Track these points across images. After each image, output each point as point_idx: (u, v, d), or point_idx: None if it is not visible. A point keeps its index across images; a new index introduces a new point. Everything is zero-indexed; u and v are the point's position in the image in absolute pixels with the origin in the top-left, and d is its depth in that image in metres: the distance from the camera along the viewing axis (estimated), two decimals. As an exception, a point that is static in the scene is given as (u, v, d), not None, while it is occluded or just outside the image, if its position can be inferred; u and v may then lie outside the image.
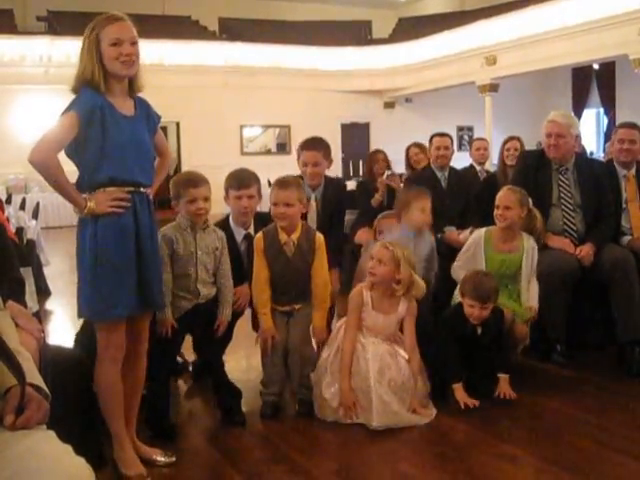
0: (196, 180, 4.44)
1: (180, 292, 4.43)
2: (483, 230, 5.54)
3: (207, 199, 4.43)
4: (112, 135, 3.69)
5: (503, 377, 4.93)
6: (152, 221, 3.85)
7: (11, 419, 2.34)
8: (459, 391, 4.81)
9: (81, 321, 4.36)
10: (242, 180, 5.15)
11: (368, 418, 4.50)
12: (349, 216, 7.27)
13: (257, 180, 5.25)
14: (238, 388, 4.82)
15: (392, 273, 4.66)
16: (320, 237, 4.93)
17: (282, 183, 4.82)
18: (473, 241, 5.54)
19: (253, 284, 4.82)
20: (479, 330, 4.96)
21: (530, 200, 5.46)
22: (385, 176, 7.55)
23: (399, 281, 4.68)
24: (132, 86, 3.87)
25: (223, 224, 5.24)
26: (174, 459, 4.01)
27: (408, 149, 8.73)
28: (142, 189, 3.82)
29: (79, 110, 3.71)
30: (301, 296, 4.88)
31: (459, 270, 5.44)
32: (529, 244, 5.40)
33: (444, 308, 5.33)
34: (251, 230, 5.27)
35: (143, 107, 3.93)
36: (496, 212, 5.42)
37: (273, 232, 4.79)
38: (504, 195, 5.44)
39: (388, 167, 7.94)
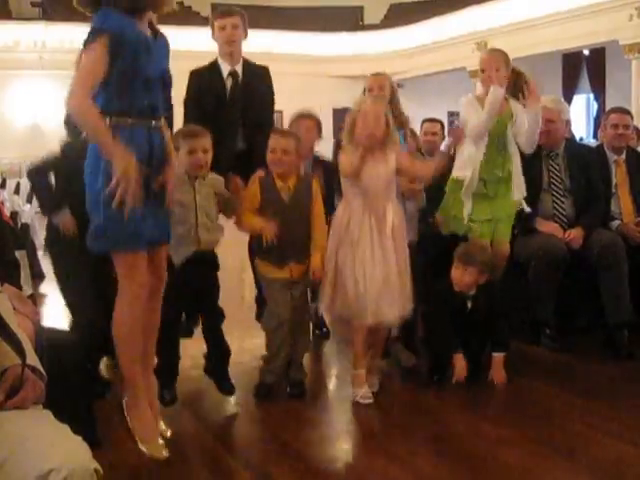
0: (195, 131, 4.45)
1: (179, 239, 4.37)
2: (470, 95, 5.55)
3: (206, 151, 4.42)
4: (143, 63, 3.51)
5: (497, 357, 4.93)
6: (165, 153, 3.76)
7: (1, 398, 2.35)
8: (459, 360, 4.85)
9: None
10: (226, 9, 5.50)
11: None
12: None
13: (242, 14, 5.45)
14: (228, 348, 4.81)
15: (385, 130, 4.68)
16: (317, 185, 4.94)
17: (281, 132, 4.89)
18: (468, 103, 5.47)
19: (241, 213, 4.76)
20: (469, 304, 4.97)
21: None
22: None
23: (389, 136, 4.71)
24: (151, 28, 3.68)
25: (211, 63, 5.54)
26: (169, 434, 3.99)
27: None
28: (159, 121, 3.71)
29: (107, 35, 3.38)
30: (298, 251, 4.81)
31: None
32: (516, 106, 5.35)
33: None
34: (238, 68, 5.49)
35: (162, 37, 3.76)
36: (482, 75, 5.35)
37: (269, 178, 4.76)
38: (488, 57, 5.44)
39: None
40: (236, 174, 4.89)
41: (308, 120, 5.60)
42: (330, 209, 5.11)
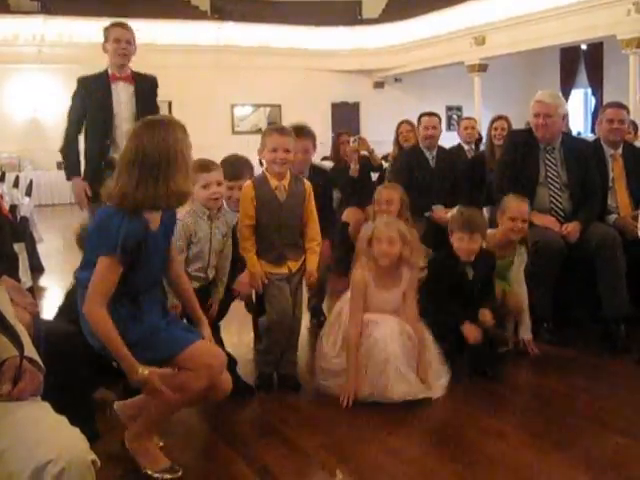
0: (208, 165, 4.43)
1: (194, 273, 4.41)
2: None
3: (220, 183, 4.44)
4: (144, 261, 3.48)
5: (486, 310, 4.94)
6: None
7: (7, 388, 2.35)
8: (467, 324, 4.83)
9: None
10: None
11: (384, 394, 4.50)
12: (336, 194, 7.32)
13: (250, 168, 5.29)
14: (233, 357, 4.85)
15: (401, 250, 4.65)
16: (309, 183, 4.95)
17: (281, 129, 4.83)
18: None
19: (239, 230, 4.76)
20: (469, 273, 4.95)
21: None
22: (352, 141, 7.60)
23: (405, 256, 4.67)
24: None
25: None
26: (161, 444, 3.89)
27: (399, 125, 8.76)
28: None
29: (120, 252, 3.34)
30: (293, 247, 4.85)
31: None
32: (521, 254, 5.43)
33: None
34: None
35: (166, 216, 3.63)
36: (512, 225, 5.34)
37: (263, 179, 4.77)
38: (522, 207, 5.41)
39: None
40: None
41: (305, 141, 5.59)
42: (327, 217, 5.17)
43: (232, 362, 4.84)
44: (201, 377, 3.50)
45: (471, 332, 4.80)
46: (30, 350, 2.55)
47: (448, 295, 4.89)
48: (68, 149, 6.13)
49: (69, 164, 6.19)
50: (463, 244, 4.90)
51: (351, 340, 4.59)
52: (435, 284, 4.99)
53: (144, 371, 3.33)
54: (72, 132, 6.13)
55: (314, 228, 4.90)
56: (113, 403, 3.90)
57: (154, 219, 3.49)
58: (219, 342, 4.76)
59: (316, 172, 5.80)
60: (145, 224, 3.41)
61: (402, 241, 4.64)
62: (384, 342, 4.51)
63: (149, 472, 3.59)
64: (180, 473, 3.60)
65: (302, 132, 5.58)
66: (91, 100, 6.03)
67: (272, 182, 4.74)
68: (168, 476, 3.57)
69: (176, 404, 3.59)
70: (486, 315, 4.91)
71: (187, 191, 3.47)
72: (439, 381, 4.70)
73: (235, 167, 5.07)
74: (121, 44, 6.00)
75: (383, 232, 4.67)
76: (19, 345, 2.42)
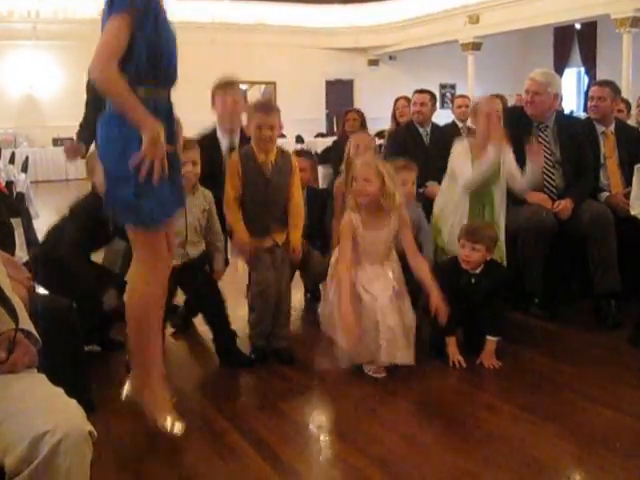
0: (185, 143, 4.39)
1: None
2: (465, 140, 5.58)
3: (195, 163, 4.45)
4: (161, 37, 3.39)
5: (490, 340, 4.81)
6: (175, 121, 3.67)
7: (1, 358, 2.36)
8: (452, 345, 4.81)
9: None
10: (228, 83, 5.45)
11: (375, 356, 4.56)
12: (326, 170, 7.37)
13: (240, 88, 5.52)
14: (233, 330, 4.93)
15: (380, 189, 4.60)
16: (295, 159, 5.01)
17: (265, 107, 4.83)
18: (460, 147, 5.51)
19: (226, 202, 4.79)
20: (473, 281, 4.89)
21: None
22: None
23: (385, 195, 4.62)
24: None
25: (210, 135, 5.46)
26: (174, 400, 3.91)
27: (397, 101, 8.79)
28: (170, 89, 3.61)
29: (135, 9, 3.25)
30: (279, 221, 4.88)
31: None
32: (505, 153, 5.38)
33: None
34: (236, 143, 5.49)
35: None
36: (482, 121, 5.37)
37: (249, 153, 4.77)
38: (493, 102, 5.44)
39: (362, 125, 7.99)
40: None
41: (305, 162, 5.64)
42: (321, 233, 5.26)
43: (232, 336, 4.87)
44: (154, 266, 3.54)
45: (453, 353, 4.80)
46: (26, 322, 2.56)
47: (451, 302, 4.70)
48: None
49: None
50: (464, 252, 4.84)
51: (344, 284, 4.54)
52: (442, 290, 4.80)
53: (160, 129, 3.27)
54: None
55: (298, 204, 4.94)
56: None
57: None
58: (224, 323, 4.81)
59: (313, 193, 5.86)
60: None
61: (380, 180, 4.59)
62: (374, 309, 4.55)
63: (163, 424, 3.59)
64: (180, 427, 3.60)
65: (301, 153, 5.87)
66: None
67: (259, 157, 4.76)
68: (167, 429, 3.58)
69: (136, 300, 3.60)
70: (486, 354, 4.81)
71: None
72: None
73: (227, 80, 5.43)
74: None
75: (360, 171, 4.65)
76: (14, 317, 2.42)
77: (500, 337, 4.85)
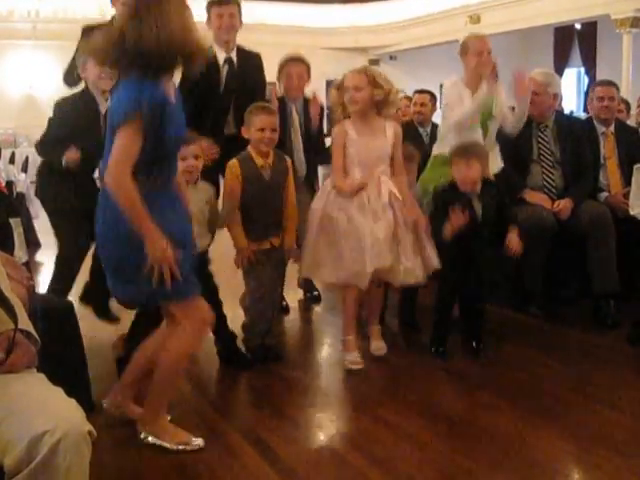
0: (187, 138, 4.39)
1: None
2: (455, 79, 5.60)
3: (197, 157, 4.44)
4: (167, 134, 3.33)
5: (513, 228, 4.84)
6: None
7: (2, 356, 2.36)
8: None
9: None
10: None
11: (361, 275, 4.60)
12: (328, 170, 7.38)
13: (238, 3, 5.60)
14: (234, 333, 4.93)
15: (372, 95, 4.62)
16: (288, 159, 5.01)
17: (267, 109, 4.83)
18: (453, 87, 5.53)
19: (225, 208, 4.79)
20: (477, 205, 4.81)
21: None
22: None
23: (380, 101, 4.65)
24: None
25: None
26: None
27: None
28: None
29: (143, 117, 3.21)
30: (276, 224, 4.89)
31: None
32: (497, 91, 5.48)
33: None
34: (233, 55, 5.62)
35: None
36: (476, 59, 5.45)
37: (249, 158, 4.77)
38: (484, 41, 5.57)
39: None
40: (227, 158, 4.89)
41: (299, 66, 5.82)
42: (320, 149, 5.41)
43: (232, 337, 4.87)
44: (200, 330, 3.61)
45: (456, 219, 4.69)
46: (25, 322, 2.56)
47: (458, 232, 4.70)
48: None
49: None
50: (460, 172, 4.76)
51: (340, 185, 4.68)
52: (442, 217, 4.75)
53: (169, 248, 3.27)
54: None
55: (292, 205, 4.95)
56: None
57: (170, 88, 3.42)
58: (222, 324, 4.83)
59: (308, 103, 5.94)
60: (164, 90, 3.32)
61: (372, 85, 4.62)
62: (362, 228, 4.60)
63: (172, 447, 3.62)
64: (201, 443, 3.64)
65: (294, 58, 6.09)
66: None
67: (258, 160, 4.76)
68: (189, 448, 3.62)
69: (180, 362, 3.63)
70: (513, 241, 4.81)
71: (186, 39, 3.26)
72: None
73: None
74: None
75: (350, 79, 4.70)
76: (13, 317, 2.42)
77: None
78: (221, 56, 5.61)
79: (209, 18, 5.59)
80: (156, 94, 3.25)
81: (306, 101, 5.87)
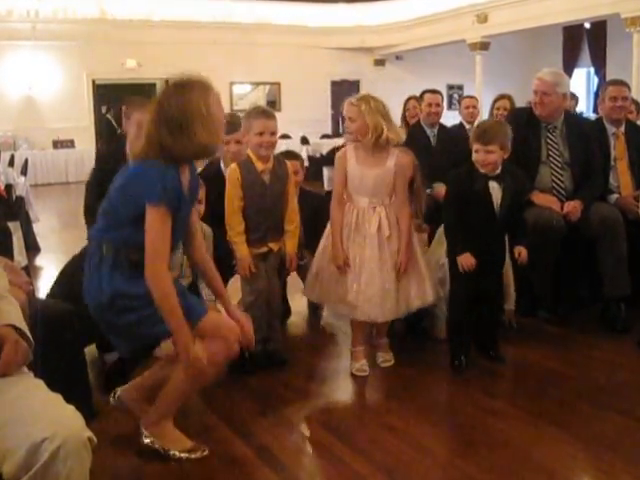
0: None
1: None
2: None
3: (200, 202, 4.50)
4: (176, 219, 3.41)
5: (520, 249, 4.79)
6: None
7: None
8: (466, 257, 4.68)
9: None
10: (233, 125, 5.29)
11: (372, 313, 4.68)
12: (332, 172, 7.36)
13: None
14: None
15: (365, 127, 4.64)
16: (289, 164, 5.02)
17: (266, 113, 4.85)
18: None
19: (228, 215, 4.79)
20: (494, 188, 4.75)
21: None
22: None
23: (372, 133, 4.65)
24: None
25: (214, 168, 5.47)
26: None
27: (407, 102, 8.77)
28: None
29: (167, 203, 3.30)
30: (276, 229, 4.90)
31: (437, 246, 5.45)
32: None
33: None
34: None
35: (194, 179, 3.67)
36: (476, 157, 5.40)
37: (248, 162, 4.80)
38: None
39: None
40: None
41: (294, 162, 5.61)
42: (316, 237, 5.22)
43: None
44: (223, 349, 3.56)
45: (464, 262, 4.69)
46: (19, 320, 2.56)
47: (471, 217, 4.71)
48: None
49: None
50: (479, 156, 4.71)
51: (335, 221, 4.78)
52: (455, 201, 4.80)
53: (198, 352, 3.35)
54: None
55: (293, 210, 4.97)
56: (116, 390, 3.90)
57: (184, 176, 3.48)
58: None
59: (306, 197, 5.84)
60: (179, 177, 3.39)
61: (362, 118, 4.63)
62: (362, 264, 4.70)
63: (175, 453, 3.63)
64: (206, 452, 3.67)
65: (289, 155, 5.75)
66: None
67: (258, 165, 4.77)
68: (194, 455, 3.64)
69: (200, 379, 3.61)
70: (522, 255, 4.78)
71: (211, 143, 3.44)
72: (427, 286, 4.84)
73: (231, 122, 5.13)
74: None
75: (345, 110, 4.78)
76: None
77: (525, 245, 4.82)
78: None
79: (247, 128, 5.29)
80: (176, 182, 3.36)
81: (303, 195, 5.77)
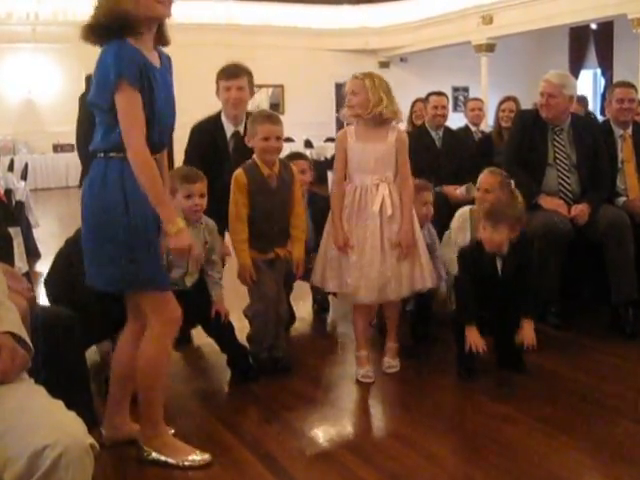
0: (193, 176, 4.49)
1: (173, 280, 4.39)
2: (467, 209, 5.59)
3: (203, 195, 4.50)
4: (156, 97, 3.35)
5: (527, 322, 4.71)
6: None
7: None
8: (472, 332, 4.63)
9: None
10: (232, 71, 5.45)
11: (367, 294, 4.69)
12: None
13: (248, 73, 5.50)
14: (244, 345, 4.95)
15: (366, 101, 4.65)
16: (294, 168, 5.06)
17: (272, 117, 4.85)
18: (460, 217, 5.59)
19: (232, 221, 4.80)
20: (499, 264, 4.76)
21: (512, 182, 5.46)
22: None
23: (374, 106, 4.67)
24: (161, 36, 3.53)
25: (214, 119, 5.54)
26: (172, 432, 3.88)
27: (414, 104, 8.77)
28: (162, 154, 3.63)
29: (129, 76, 3.21)
30: (282, 235, 4.92)
31: (445, 248, 5.52)
32: None
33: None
34: (240, 128, 5.48)
35: (164, 58, 3.56)
36: (477, 194, 5.47)
37: (254, 167, 4.80)
38: (484, 178, 5.48)
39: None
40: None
41: (301, 162, 5.69)
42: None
43: (240, 346, 4.87)
44: (170, 327, 3.60)
45: (474, 339, 4.63)
46: (18, 327, 2.56)
47: (477, 291, 4.71)
48: None
49: None
50: (486, 234, 4.74)
51: (335, 200, 4.80)
52: (463, 275, 4.84)
53: (180, 223, 3.34)
54: None
55: (299, 214, 4.98)
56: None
57: (152, 56, 3.43)
58: (233, 341, 4.85)
59: (315, 199, 5.89)
60: (140, 52, 3.31)
61: (365, 92, 4.66)
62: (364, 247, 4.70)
63: (179, 462, 3.63)
64: (208, 457, 3.66)
65: (295, 155, 5.92)
66: None
67: (264, 170, 4.78)
68: (197, 463, 3.64)
69: (166, 335, 3.60)
70: (526, 333, 4.70)
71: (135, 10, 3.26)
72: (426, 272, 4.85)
73: (230, 68, 5.46)
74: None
75: (348, 85, 4.79)
76: None
77: (533, 319, 4.76)
78: (229, 129, 5.57)
79: (217, 88, 5.51)
80: (131, 56, 3.27)
81: (312, 197, 5.87)
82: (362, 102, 4.66)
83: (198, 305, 4.58)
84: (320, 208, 5.56)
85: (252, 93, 5.60)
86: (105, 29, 3.28)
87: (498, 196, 5.28)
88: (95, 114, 3.43)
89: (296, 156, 5.81)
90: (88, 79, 5.41)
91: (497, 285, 4.76)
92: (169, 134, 3.65)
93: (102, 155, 3.39)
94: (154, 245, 3.43)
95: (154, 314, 3.54)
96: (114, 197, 3.34)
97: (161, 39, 3.54)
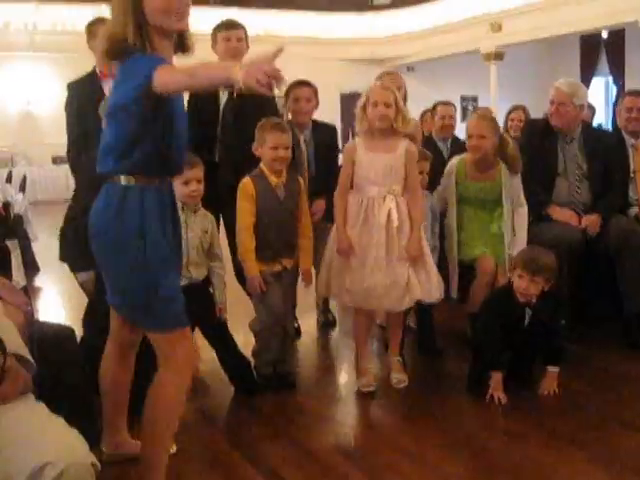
0: (190, 161, 4.35)
1: None
2: (455, 161, 5.62)
3: (200, 181, 4.49)
4: (174, 110, 3.21)
5: (552, 372, 4.74)
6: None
7: None
8: (496, 381, 4.62)
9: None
10: (231, 22, 5.65)
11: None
12: None
13: (244, 28, 5.67)
14: (247, 358, 4.94)
15: (397, 112, 4.70)
16: (301, 178, 5.11)
17: (280, 127, 4.86)
18: (447, 172, 5.61)
19: (239, 231, 4.80)
20: (527, 315, 4.69)
21: (500, 127, 5.48)
22: None
23: (398, 117, 4.72)
24: (181, 43, 3.36)
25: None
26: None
27: (423, 114, 8.75)
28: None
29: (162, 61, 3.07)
30: (289, 246, 4.94)
31: (437, 202, 5.57)
32: (506, 173, 5.43)
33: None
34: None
35: None
36: (469, 142, 5.45)
37: (262, 176, 4.81)
38: (476, 123, 5.47)
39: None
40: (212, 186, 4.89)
41: (307, 89, 5.77)
42: (333, 172, 5.31)
43: (243, 361, 4.88)
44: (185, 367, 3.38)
45: (496, 385, 4.62)
46: (18, 346, 2.56)
47: (502, 336, 4.67)
48: None
49: None
50: (522, 283, 4.61)
51: (338, 211, 4.83)
52: (492, 320, 4.73)
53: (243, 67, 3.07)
54: None
55: (306, 224, 5.02)
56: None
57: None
58: (234, 352, 4.85)
59: (318, 128, 5.92)
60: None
61: (395, 103, 4.71)
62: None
63: None
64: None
65: (301, 82, 5.93)
66: None
67: (271, 179, 4.80)
68: None
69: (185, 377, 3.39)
70: (549, 384, 4.74)
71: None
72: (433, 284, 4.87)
73: (229, 20, 5.77)
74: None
75: (380, 95, 4.76)
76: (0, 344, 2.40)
77: (559, 366, 4.76)
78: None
79: (215, 42, 5.58)
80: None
81: (315, 127, 5.86)
82: (395, 115, 4.69)
83: (199, 302, 4.59)
84: (322, 139, 5.72)
85: (247, 46, 5.70)
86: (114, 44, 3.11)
87: (494, 142, 5.30)
88: (106, 132, 3.24)
89: (301, 83, 5.85)
90: None
91: (520, 333, 4.72)
92: (185, 152, 3.48)
93: (119, 182, 3.17)
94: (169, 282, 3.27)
95: (172, 351, 3.31)
96: (129, 230, 3.14)
97: (181, 46, 3.39)
